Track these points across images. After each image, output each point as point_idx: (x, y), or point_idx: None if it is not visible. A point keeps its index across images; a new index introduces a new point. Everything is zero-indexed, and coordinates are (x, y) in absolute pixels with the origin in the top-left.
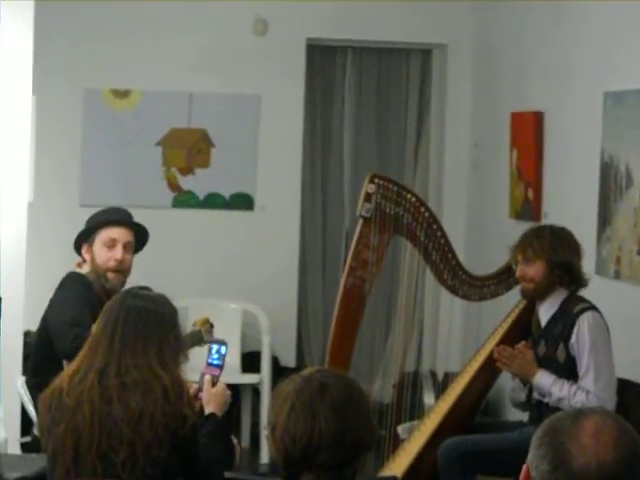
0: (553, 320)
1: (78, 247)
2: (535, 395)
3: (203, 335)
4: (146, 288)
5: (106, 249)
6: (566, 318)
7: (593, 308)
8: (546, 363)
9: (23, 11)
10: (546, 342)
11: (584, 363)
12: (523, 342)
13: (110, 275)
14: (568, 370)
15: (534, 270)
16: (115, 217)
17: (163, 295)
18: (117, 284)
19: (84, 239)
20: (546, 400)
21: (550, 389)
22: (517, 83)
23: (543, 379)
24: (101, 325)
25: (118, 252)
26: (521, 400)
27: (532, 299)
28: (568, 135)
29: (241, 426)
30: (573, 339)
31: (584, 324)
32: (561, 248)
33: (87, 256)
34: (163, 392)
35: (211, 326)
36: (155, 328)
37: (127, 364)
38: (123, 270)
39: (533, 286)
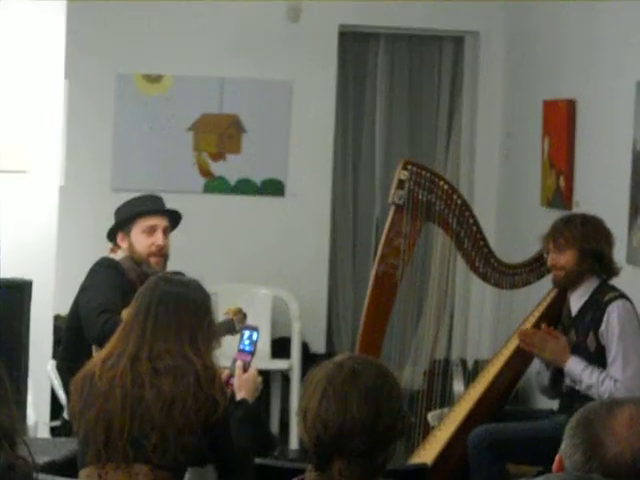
0: (584, 309)
1: (112, 236)
2: (567, 382)
3: (235, 325)
4: (179, 273)
5: (146, 236)
6: (596, 307)
7: (623, 297)
8: (576, 352)
9: None
10: (577, 331)
11: (612, 351)
12: (551, 328)
13: (153, 260)
14: (598, 359)
15: (565, 258)
16: (152, 207)
17: (196, 280)
18: (159, 268)
19: (120, 228)
20: (577, 387)
21: (581, 375)
22: (549, 71)
23: (575, 365)
24: (134, 310)
25: (159, 237)
26: (545, 384)
27: (563, 287)
28: (600, 123)
29: (270, 412)
30: (603, 327)
31: (614, 313)
32: (592, 236)
33: (123, 244)
34: (195, 378)
35: (244, 316)
36: (188, 314)
37: (159, 350)
38: (165, 254)
39: (564, 274)
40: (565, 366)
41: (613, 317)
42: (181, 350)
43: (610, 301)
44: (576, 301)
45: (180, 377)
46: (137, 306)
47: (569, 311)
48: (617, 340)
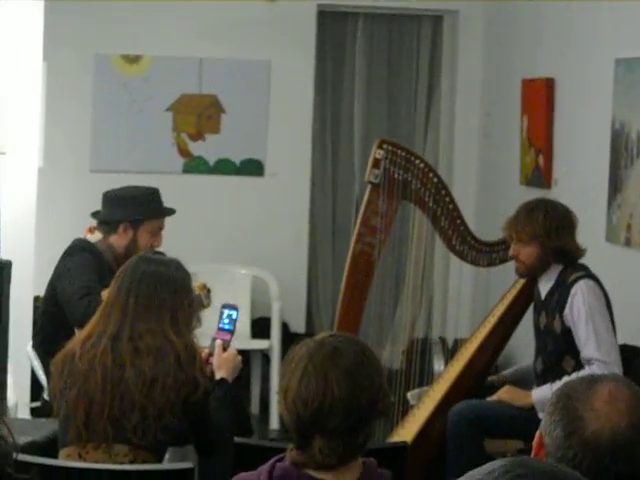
0: (551, 292)
1: (110, 222)
2: (540, 415)
3: (203, 300)
4: (159, 253)
5: (150, 235)
6: (562, 289)
7: (586, 276)
8: (547, 334)
9: None
10: (546, 314)
11: (582, 333)
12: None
13: None
14: (565, 341)
15: (527, 252)
16: (168, 210)
17: (177, 260)
18: None
19: (130, 222)
20: None
21: (552, 390)
22: (528, 50)
23: (541, 391)
24: (114, 290)
25: (160, 239)
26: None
27: (526, 278)
28: (579, 102)
29: (251, 392)
30: (567, 310)
31: (577, 295)
32: (554, 233)
33: (125, 234)
34: (176, 358)
35: (208, 291)
36: (169, 293)
37: (140, 329)
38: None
39: (525, 268)
40: (533, 400)
41: (577, 299)
42: (162, 330)
43: (573, 282)
44: (544, 285)
45: (161, 357)
46: (117, 286)
47: (539, 294)
48: (585, 321)
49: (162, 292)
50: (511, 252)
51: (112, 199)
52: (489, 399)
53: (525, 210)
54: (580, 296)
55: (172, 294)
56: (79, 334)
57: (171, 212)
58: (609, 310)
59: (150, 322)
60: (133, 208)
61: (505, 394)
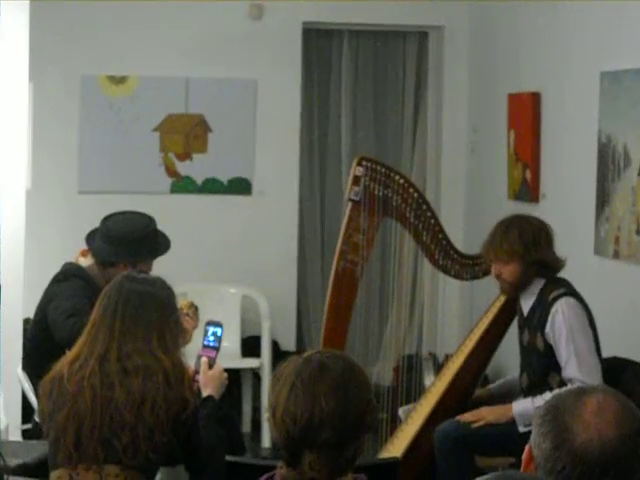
0: (532, 309)
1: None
2: (520, 428)
3: (191, 318)
4: (142, 271)
5: (146, 266)
6: (543, 307)
7: (567, 294)
8: (531, 351)
9: None
10: (529, 331)
11: (563, 353)
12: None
13: None
14: (548, 358)
15: (509, 270)
16: (166, 247)
17: (161, 278)
18: None
19: (131, 262)
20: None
21: (534, 405)
22: (514, 64)
23: (522, 404)
24: (100, 310)
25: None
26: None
27: (511, 296)
28: (565, 116)
29: (242, 411)
30: (548, 328)
31: (558, 314)
32: (533, 247)
33: (124, 269)
34: (164, 376)
35: (196, 309)
36: (155, 311)
37: (128, 349)
38: None
39: (509, 285)
40: (514, 413)
41: (558, 318)
42: (150, 348)
43: (554, 300)
44: (525, 302)
45: (149, 377)
46: (103, 306)
47: (521, 311)
48: (566, 341)
49: (148, 311)
50: (493, 272)
51: (113, 237)
52: (471, 421)
53: (500, 229)
54: (560, 315)
55: (158, 312)
56: (66, 356)
57: (167, 248)
58: (592, 327)
59: (137, 341)
60: (135, 249)
61: (489, 416)
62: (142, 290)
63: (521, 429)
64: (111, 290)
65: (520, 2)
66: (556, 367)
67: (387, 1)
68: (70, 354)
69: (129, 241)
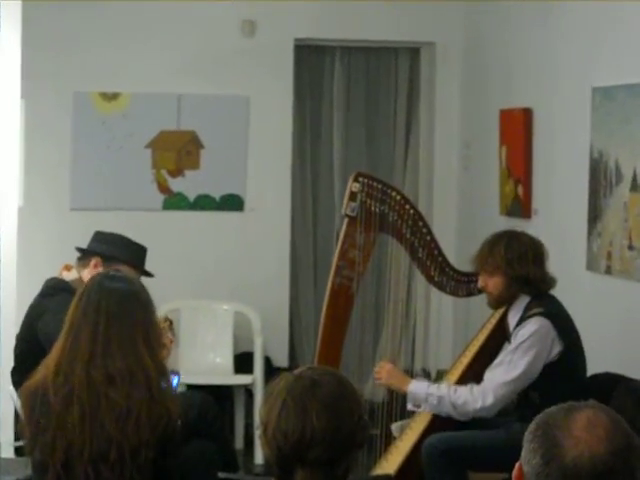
0: (517, 324)
1: (88, 255)
2: (409, 406)
3: (167, 332)
4: (117, 270)
5: None
6: (523, 323)
7: (543, 314)
8: None
9: (11, 15)
10: None
11: (501, 356)
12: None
13: None
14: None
15: (493, 283)
16: (137, 262)
17: (136, 277)
18: None
19: (106, 259)
20: (421, 409)
21: (428, 390)
22: (505, 80)
23: (419, 384)
24: (79, 310)
25: None
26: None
27: (496, 308)
28: (557, 131)
29: (235, 427)
30: None
31: (524, 328)
32: (517, 262)
33: (95, 270)
34: (147, 384)
35: (171, 323)
36: (139, 309)
37: (112, 350)
38: None
39: (493, 298)
40: (408, 388)
41: (523, 331)
42: (135, 350)
43: (529, 317)
44: (513, 316)
45: (133, 385)
46: (83, 306)
47: (508, 327)
48: (513, 348)
49: (133, 308)
50: (479, 283)
51: (98, 235)
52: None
53: (489, 242)
54: (527, 328)
55: (143, 311)
56: (46, 361)
57: (148, 274)
58: (574, 347)
59: (123, 340)
60: (113, 246)
61: (389, 379)
62: (124, 288)
63: (409, 407)
64: (90, 289)
65: (511, 18)
66: (535, 384)
67: (379, 17)
68: (50, 359)
69: (109, 238)
